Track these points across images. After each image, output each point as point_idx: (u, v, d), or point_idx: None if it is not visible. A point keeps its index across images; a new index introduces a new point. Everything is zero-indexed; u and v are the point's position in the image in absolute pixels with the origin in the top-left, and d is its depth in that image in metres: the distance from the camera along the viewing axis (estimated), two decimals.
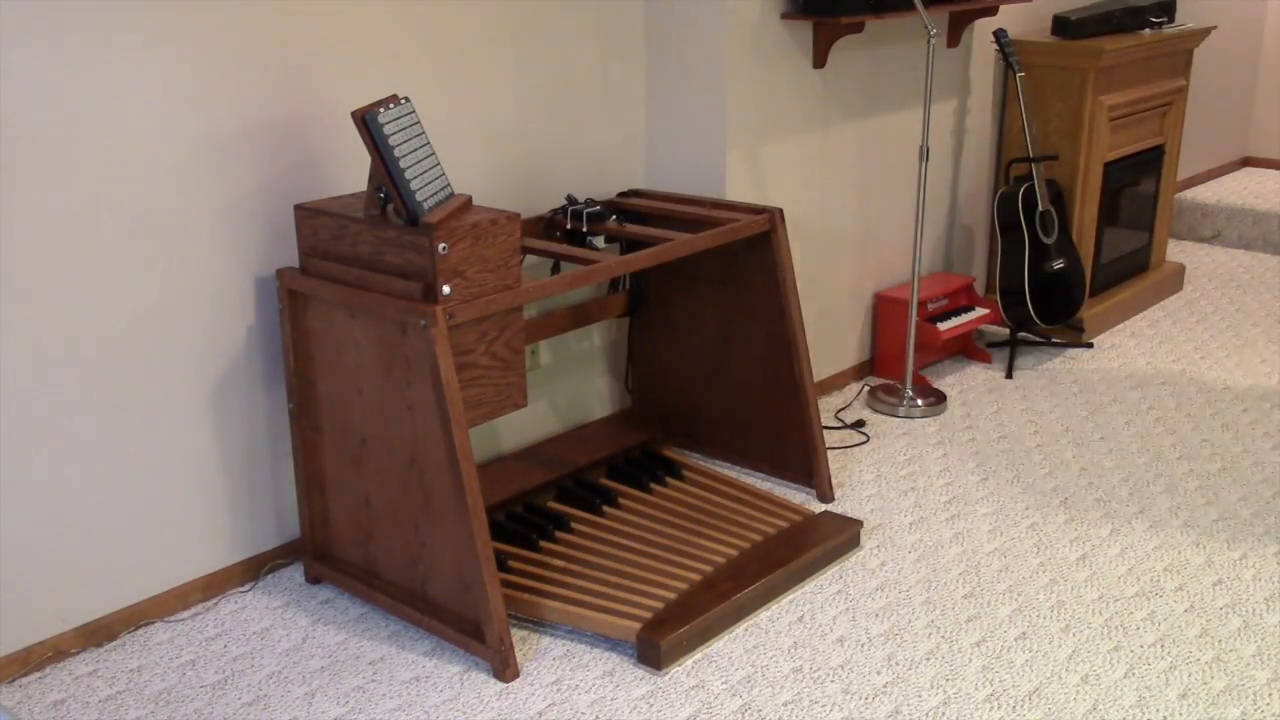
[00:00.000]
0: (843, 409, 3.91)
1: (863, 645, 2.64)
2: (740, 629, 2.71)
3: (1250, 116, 6.70)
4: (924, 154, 3.65)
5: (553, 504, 3.11)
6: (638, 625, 2.58)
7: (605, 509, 3.09)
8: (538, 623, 2.71)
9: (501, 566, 2.77)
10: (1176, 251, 5.61)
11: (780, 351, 3.24)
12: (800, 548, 2.90)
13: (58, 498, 2.54)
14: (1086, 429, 3.75)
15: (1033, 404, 3.95)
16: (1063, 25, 4.39)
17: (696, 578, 2.78)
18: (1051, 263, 4.17)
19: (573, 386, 3.57)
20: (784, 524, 3.03)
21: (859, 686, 2.50)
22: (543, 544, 2.91)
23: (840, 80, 3.73)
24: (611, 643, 2.64)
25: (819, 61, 3.61)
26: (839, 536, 2.97)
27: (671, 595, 2.70)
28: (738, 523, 3.04)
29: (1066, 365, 4.27)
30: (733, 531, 2.99)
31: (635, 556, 2.87)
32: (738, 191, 3.49)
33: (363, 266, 2.55)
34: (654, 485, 3.22)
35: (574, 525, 3.01)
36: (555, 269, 3.20)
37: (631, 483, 3.22)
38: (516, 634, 2.63)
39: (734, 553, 2.89)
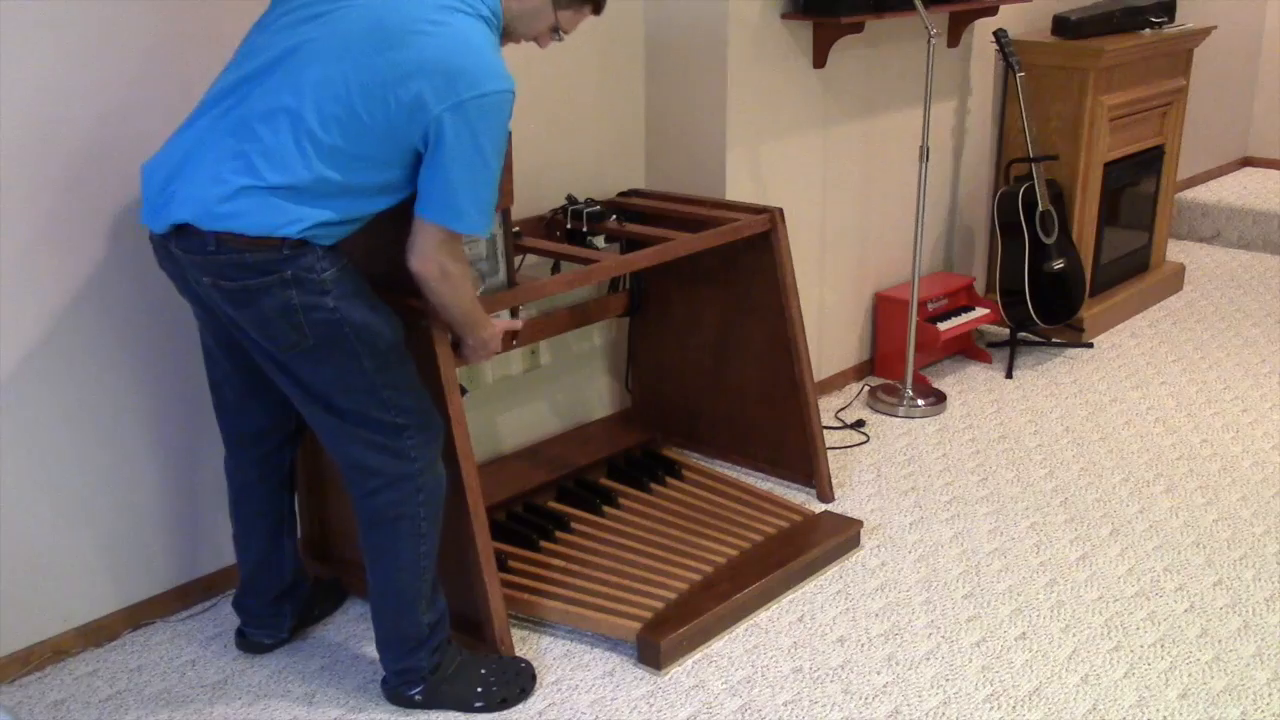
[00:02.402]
0: (843, 409, 3.90)
1: (863, 645, 2.64)
2: (740, 629, 2.70)
3: (1250, 116, 6.70)
4: (924, 154, 3.65)
5: (553, 504, 3.11)
6: (638, 625, 2.58)
7: (605, 509, 3.09)
8: (538, 622, 2.71)
9: (501, 566, 2.77)
10: (1176, 251, 5.61)
11: (780, 351, 3.24)
12: (800, 548, 2.90)
13: (58, 498, 2.54)
14: (1086, 429, 3.75)
15: (1033, 404, 3.95)
16: (1063, 25, 4.39)
17: (696, 578, 2.78)
18: (1051, 263, 4.17)
19: (573, 386, 3.57)
20: (784, 524, 3.03)
21: (859, 686, 2.50)
22: (543, 544, 2.91)
23: (840, 80, 3.73)
24: (611, 643, 2.64)
25: (819, 61, 3.60)
26: (839, 536, 2.97)
27: (671, 595, 2.70)
28: (738, 523, 3.04)
29: (1066, 365, 4.27)
30: (733, 531, 2.99)
31: (635, 556, 2.87)
32: (738, 191, 3.48)
33: None
34: (654, 485, 3.22)
35: (574, 525, 3.01)
36: (555, 269, 3.20)
37: (631, 483, 3.22)
38: (516, 634, 2.63)
39: (734, 553, 2.89)
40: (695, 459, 3.42)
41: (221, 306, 2.15)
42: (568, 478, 3.19)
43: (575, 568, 2.83)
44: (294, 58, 2.05)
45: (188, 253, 2.10)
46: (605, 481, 3.22)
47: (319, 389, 2.19)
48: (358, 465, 2.26)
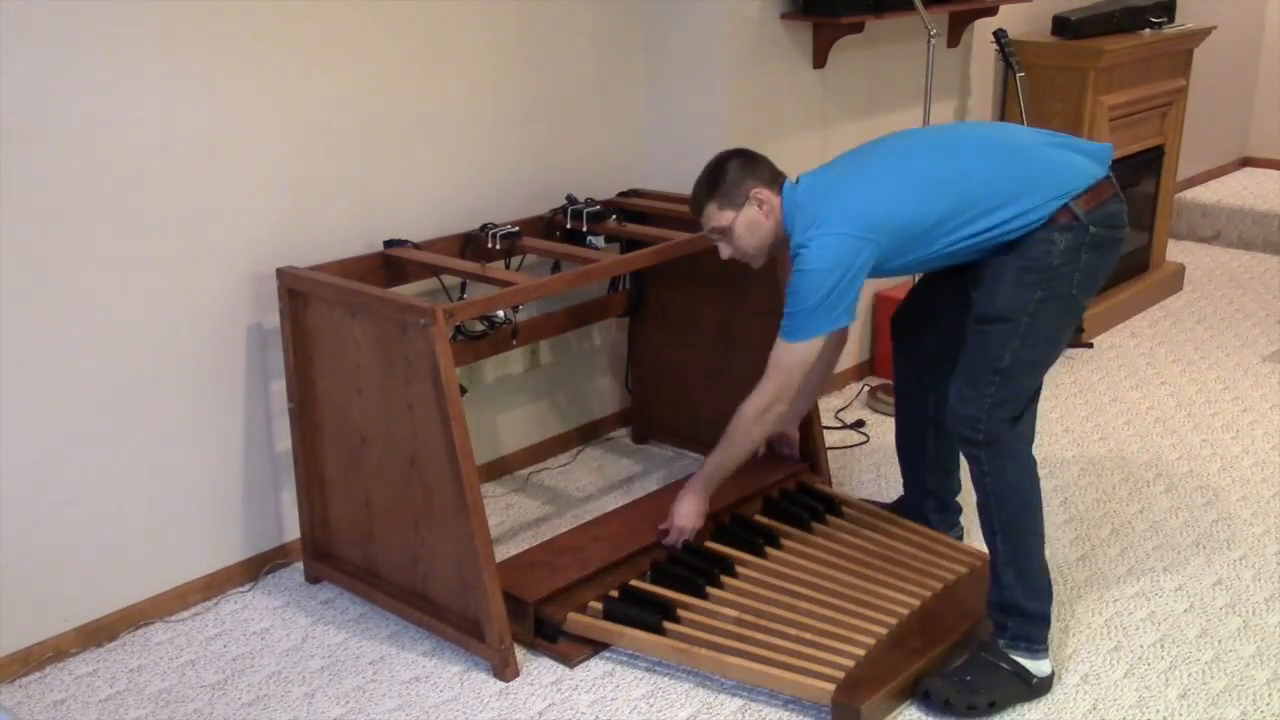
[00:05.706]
0: (843, 409, 3.90)
1: None
2: None
3: (1250, 116, 6.70)
4: None
5: (710, 544, 2.84)
6: (831, 686, 2.36)
7: (768, 550, 2.83)
8: (721, 680, 2.52)
9: (669, 616, 2.58)
10: (1176, 251, 5.60)
11: None
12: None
13: (58, 498, 2.54)
14: (1086, 429, 3.75)
15: None
16: (1063, 25, 4.39)
17: (882, 631, 2.53)
18: None
19: (573, 386, 3.57)
20: (962, 569, 2.78)
21: None
22: (709, 590, 2.67)
23: (840, 80, 3.73)
24: (610, 645, 2.63)
25: (819, 61, 3.60)
26: None
27: (860, 651, 2.45)
28: (913, 567, 2.78)
29: (1066, 365, 4.27)
30: (910, 578, 2.73)
31: (811, 605, 2.62)
32: None
33: None
34: (814, 524, 2.95)
35: (739, 569, 2.75)
36: (555, 269, 3.20)
37: (791, 521, 2.95)
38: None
39: (916, 603, 2.63)
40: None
41: None
42: (722, 513, 2.93)
43: (750, 618, 2.57)
44: None
45: None
46: (761, 519, 2.96)
47: None
48: None
